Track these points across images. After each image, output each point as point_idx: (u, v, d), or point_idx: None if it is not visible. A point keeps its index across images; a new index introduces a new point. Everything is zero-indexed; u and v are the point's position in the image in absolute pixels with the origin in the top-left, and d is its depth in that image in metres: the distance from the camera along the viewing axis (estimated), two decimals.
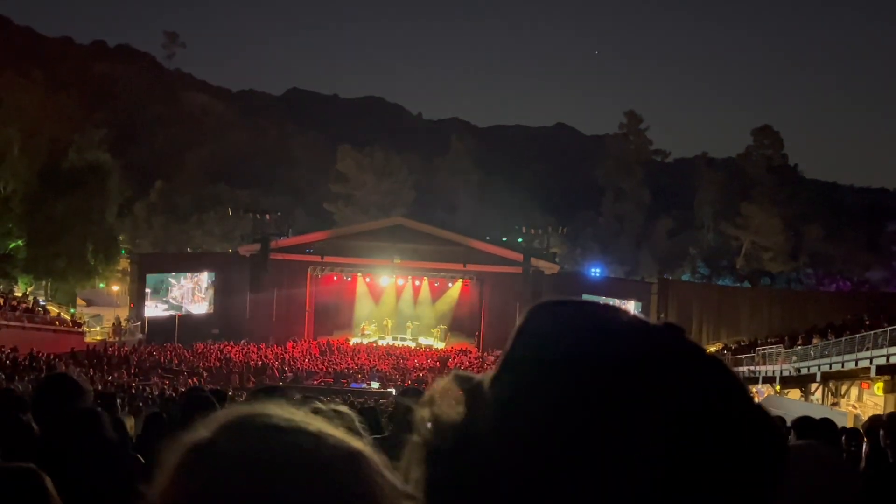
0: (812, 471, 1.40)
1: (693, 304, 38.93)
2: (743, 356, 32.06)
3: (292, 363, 33.32)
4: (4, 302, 34.01)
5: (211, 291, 41.34)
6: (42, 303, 38.87)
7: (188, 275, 41.01)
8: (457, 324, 41.53)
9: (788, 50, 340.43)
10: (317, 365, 33.32)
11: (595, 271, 46.13)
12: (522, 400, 0.55)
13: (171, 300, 40.07)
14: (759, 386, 30.20)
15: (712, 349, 36.04)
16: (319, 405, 0.69)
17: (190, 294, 40.93)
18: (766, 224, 52.81)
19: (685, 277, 50.37)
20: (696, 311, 38.45)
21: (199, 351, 34.29)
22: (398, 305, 42.30)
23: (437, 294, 42.35)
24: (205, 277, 41.42)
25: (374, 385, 30.51)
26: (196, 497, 0.58)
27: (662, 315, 38.81)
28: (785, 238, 53.43)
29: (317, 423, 0.63)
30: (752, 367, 30.76)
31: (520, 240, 44.02)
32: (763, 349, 30.77)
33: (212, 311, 40.91)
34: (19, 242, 41.22)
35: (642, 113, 79.66)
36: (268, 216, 40.99)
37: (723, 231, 56.38)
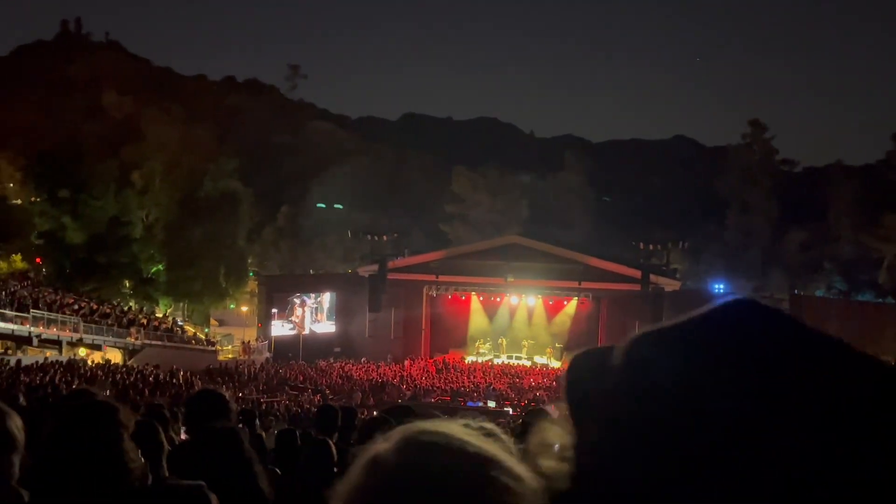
0: None
1: (831, 321, 36.33)
2: None
3: (410, 381, 33.84)
4: (147, 322, 36.65)
5: (332, 311, 42.77)
6: (180, 323, 41.54)
7: (311, 295, 42.65)
8: (573, 342, 40.73)
9: None
10: (433, 383, 33.69)
11: (719, 287, 44.13)
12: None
13: (294, 320, 41.78)
14: None
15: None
16: (471, 423, 0.71)
17: (313, 314, 42.52)
18: None
19: (819, 293, 47.14)
20: (835, 330, 35.17)
21: (322, 368, 35.50)
22: (512, 324, 42.11)
23: (552, 312, 41.84)
24: (326, 298, 42.92)
25: (491, 404, 30.41)
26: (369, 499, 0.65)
27: None
28: None
29: (488, 447, 0.67)
30: None
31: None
32: None
33: (333, 330, 42.30)
34: (160, 267, 44.43)
35: (767, 121, 75.76)
36: (385, 237, 42.03)
37: (862, 243, 52.46)
